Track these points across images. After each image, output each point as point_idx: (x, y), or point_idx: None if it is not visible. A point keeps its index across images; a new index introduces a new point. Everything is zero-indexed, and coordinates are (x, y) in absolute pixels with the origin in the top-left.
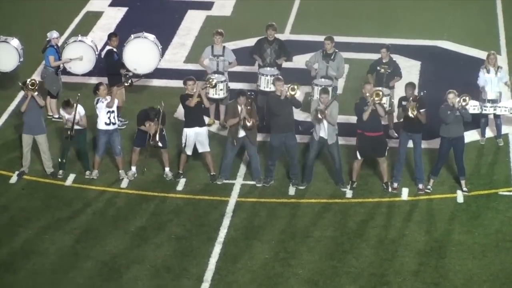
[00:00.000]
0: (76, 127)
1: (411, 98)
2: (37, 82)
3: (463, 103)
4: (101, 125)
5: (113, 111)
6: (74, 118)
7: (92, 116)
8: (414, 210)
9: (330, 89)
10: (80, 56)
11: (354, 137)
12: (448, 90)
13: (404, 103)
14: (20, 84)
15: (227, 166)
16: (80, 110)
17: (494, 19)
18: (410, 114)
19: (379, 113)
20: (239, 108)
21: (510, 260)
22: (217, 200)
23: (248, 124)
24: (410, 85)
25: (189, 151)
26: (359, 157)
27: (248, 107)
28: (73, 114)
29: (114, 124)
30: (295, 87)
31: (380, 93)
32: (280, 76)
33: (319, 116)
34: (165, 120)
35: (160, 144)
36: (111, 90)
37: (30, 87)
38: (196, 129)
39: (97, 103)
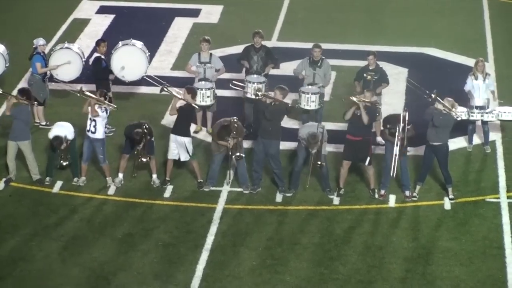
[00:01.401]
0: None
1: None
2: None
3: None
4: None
5: (93, 120)
6: (66, 148)
7: (78, 123)
8: (401, 217)
9: (315, 98)
10: (68, 60)
11: (342, 144)
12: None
13: (388, 126)
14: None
15: (214, 173)
16: (69, 133)
17: (481, 26)
18: (400, 148)
19: (363, 119)
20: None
21: (497, 267)
22: (204, 207)
23: (236, 154)
24: (392, 120)
25: (171, 155)
26: (344, 156)
27: (235, 139)
28: (64, 146)
29: (93, 133)
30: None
31: (368, 104)
32: (285, 87)
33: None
34: (152, 133)
35: (143, 160)
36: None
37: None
38: (177, 137)
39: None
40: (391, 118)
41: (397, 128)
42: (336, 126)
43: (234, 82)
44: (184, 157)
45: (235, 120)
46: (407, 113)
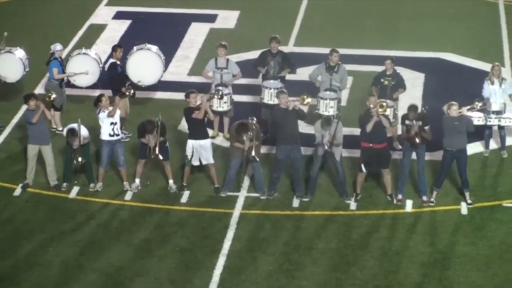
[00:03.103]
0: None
1: (414, 122)
2: (53, 97)
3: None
4: (104, 136)
5: (115, 123)
6: (80, 143)
7: (95, 128)
8: (418, 222)
9: (333, 104)
10: (86, 70)
11: (358, 149)
12: (450, 102)
13: (407, 122)
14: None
15: (231, 178)
16: (84, 133)
17: (498, 31)
18: (417, 140)
19: (383, 124)
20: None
21: None
22: (221, 212)
23: (252, 155)
24: (412, 108)
25: (195, 162)
26: (364, 170)
27: (251, 141)
28: (78, 141)
29: (117, 135)
30: (305, 96)
31: (384, 104)
32: (283, 89)
33: (327, 146)
34: (165, 132)
35: (160, 157)
36: (113, 99)
37: (47, 99)
38: (200, 141)
39: (99, 113)
40: (407, 114)
41: (414, 121)
42: (353, 131)
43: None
44: (207, 161)
45: (254, 121)
46: (425, 110)
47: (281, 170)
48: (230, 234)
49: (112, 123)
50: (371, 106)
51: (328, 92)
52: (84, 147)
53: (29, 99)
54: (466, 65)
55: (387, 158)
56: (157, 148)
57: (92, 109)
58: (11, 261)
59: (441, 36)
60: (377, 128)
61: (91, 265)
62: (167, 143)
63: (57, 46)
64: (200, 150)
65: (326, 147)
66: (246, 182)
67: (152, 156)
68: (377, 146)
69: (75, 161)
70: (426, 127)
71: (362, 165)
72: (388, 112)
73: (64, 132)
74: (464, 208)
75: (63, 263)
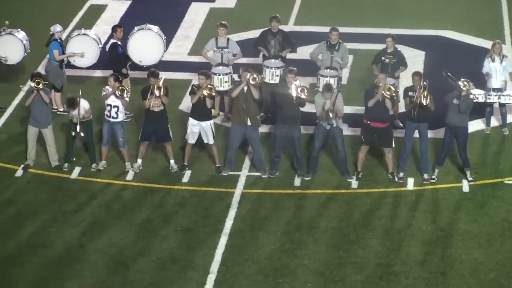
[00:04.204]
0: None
1: (419, 88)
2: (42, 80)
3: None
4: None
5: (113, 106)
6: (79, 115)
7: (97, 108)
8: (420, 200)
9: (333, 81)
10: (82, 52)
11: (359, 127)
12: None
13: (410, 93)
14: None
15: (231, 157)
16: (85, 104)
17: (498, 8)
18: (423, 102)
19: (386, 105)
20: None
21: None
22: (223, 191)
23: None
24: (417, 74)
25: (192, 140)
26: (364, 142)
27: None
28: (78, 111)
29: (114, 118)
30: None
31: (392, 89)
32: (293, 68)
33: (330, 115)
34: (167, 92)
35: (82, 134)
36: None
37: (35, 85)
38: (202, 122)
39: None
40: (411, 87)
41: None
42: (354, 110)
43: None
44: (209, 141)
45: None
46: (427, 84)
47: (280, 148)
48: (231, 213)
49: (109, 105)
50: (380, 84)
51: (328, 70)
52: (86, 125)
53: (31, 79)
54: (466, 43)
55: (388, 138)
56: (78, 126)
57: (92, 89)
58: (14, 242)
59: (441, 13)
60: (378, 107)
61: (94, 245)
62: (168, 123)
63: (57, 27)
64: (202, 130)
65: (330, 115)
66: (247, 161)
67: (73, 133)
68: (377, 124)
69: (73, 133)
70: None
71: (363, 138)
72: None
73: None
74: (465, 186)
75: (65, 244)
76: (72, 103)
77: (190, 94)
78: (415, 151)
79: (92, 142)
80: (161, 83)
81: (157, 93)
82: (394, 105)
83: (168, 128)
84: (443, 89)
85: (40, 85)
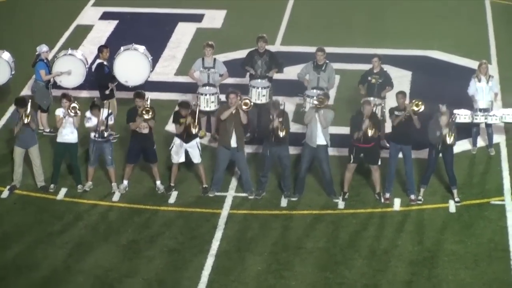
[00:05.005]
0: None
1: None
2: (27, 111)
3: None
4: (91, 134)
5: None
6: (106, 118)
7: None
8: (407, 220)
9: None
10: (68, 70)
11: (346, 147)
12: (442, 109)
13: (396, 113)
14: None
15: (219, 179)
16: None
17: (484, 28)
18: (415, 108)
19: (414, 123)
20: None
21: (503, 269)
22: (209, 212)
23: (281, 134)
24: (401, 94)
25: (176, 159)
26: (352, 160)
27: (280, 119)
28: (101, 115)
29: (102, 138)
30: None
31: (420, 103)
32: (276, 101)
33: (317, 102)
34: (154, 116)
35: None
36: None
37: (26, 120)
38: (186, 144)
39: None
40: (396, 107)
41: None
42: (340, 130)
43: (246, 66)
44: (197, 159)
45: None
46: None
47: (268, 169)
48: (218, 234)
49: (99, 128)
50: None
51: (314, 91)
52: (71, 149)
53: (19, 106)
54: (453, 63)
55: (375, 155)
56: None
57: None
58: None
59: (427, 33)
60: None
61: (79, 267)
62: (155, 145)
63: (43, 48)
64: (188, 149)
65: (279, 133)
66: (234, 182)
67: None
68: (362, 145)
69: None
70: (415, 117)
71: (351, 156)
72: (377, 110)
73: (58, 113)
74: (452, 206)
75: (51, 265)
76: (95, 106)
77: (173, 122)
78: (400, 172)
79: (76, 165)
80: (148, 104)
81: (146, 116)
82: (381, 126)
83: (155, 149)
84: (431, 109)
85: (28, 118)
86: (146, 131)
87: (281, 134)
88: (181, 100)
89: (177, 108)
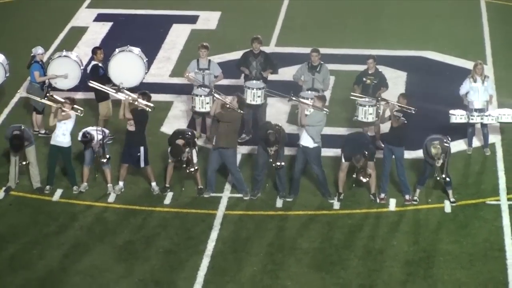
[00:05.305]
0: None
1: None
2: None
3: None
4: None
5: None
6: (102, 140)
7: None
8: (402, 221)
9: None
10: (65, 73)
11: (339, 148)
12: (432, 144)
13: (395, 113)
14: None
15: (210, 179)
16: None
17: (479, 28)
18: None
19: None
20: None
21: (499, 269)
22: (205, 213)
23: (277, 164)
24: (402, 96)
25: (171, 158)
26: (343, 160)
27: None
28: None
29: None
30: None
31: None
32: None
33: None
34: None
35: (191, 170)
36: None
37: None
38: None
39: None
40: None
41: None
42: (335, 131)
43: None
44: (194, 160)
45: (280, 127)
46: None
47: (262, 169)
48: (213, 235)
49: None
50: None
51: (309, 92)
52: (66, 151)
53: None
54: (448, 63)
55: (371, 151)
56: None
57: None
58: None
59: (423, 34)
60: (353, 139)
61: (75, 268)
62: (143, 147)
63: (38, 49)
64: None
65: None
66: (229, 182)
67: (187, 171)
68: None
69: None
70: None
71: (342, 155)
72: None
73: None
74: (447, 206)
75: (47, 266)
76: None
77: (170, 153)
78: (395, 172)
79: (70, 167)
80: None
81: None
82: (374, 124)
83: (139, 155)
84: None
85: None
86: (131, 128)
87: (277, 165)
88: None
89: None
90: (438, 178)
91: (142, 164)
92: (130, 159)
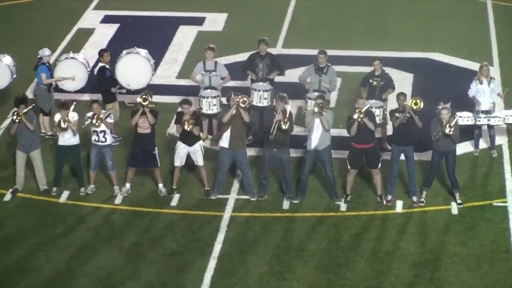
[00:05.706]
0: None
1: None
2: (21, 112)
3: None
4: (92, 139)
5: (101, 131)
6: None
7: (84, 133)
8: (409, 223)
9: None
10: (72, 76)
11: (347, 150)
12: (442, 105)
13: (397, 114)
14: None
15: (221, 181)
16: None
17: (486, 30)
18: (414, 106)
19: (368, 127)
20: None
21: (505, 271)
22: (212, 215)
23: (284, 126)
24: (402, 95)
25: (178, 162)
26: (349, 167)
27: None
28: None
29: (103, 142)
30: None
31: (362, 111)
32: (283, 94)
33: (319, 107)
34: (156, 115)
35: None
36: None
37: (14, 118)
38: (189, 148)
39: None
40: (396, 109)
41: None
42: (341, 133)
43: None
44: (201, 162)
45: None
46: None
47: (268, 171)
48: (220, 236)
49: (95, 131)
50: (356, 112)
51: (316, 93)
52: (74, 151)
53: (15, 105)
54: (454, 65)
55: (375, 158)
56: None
57: (80, 113)
58: (2, 266)
59: (429, 36)
60: (362, 129)
61: (82, 270)
62: (156, 149)
63: (45, 51)
64: (191, 153)
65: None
66: (236, 184)
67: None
68: (362, 146)
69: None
70: (416, 117)
71: (348, 163)
72: (378, 112)
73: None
74: (454, 208)
75: (54, 268)
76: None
77: (175, 123)
78: (402, 173)
79: (80, 166)
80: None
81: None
82: (379, 126)
83: (154, 154)
84: (433, 111)
85: (21, 117)
86: (147, 131)
87: (284, 126)
88: (183, 99)
89: (179, 109)
90: (447, 131)
91: (158, 164)
92: (142, 162)
